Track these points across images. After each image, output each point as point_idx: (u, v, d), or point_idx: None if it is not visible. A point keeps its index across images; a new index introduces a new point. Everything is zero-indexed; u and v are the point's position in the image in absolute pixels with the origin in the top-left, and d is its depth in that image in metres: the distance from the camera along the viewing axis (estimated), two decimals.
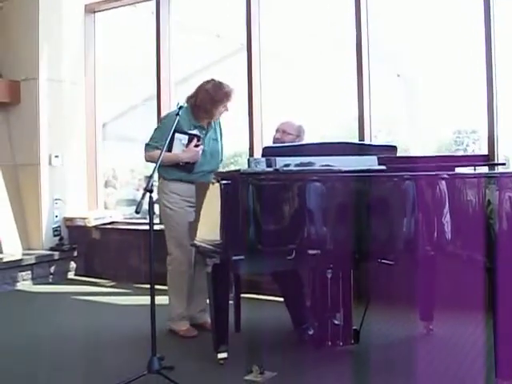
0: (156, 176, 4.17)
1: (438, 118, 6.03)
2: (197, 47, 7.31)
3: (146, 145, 4.69)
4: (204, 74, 5.13)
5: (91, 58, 7.69)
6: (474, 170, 4.04)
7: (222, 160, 4.95)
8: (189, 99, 4.70)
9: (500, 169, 4.51)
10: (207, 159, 4.71)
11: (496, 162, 5.06)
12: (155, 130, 4.75)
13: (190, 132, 4.63)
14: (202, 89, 4.70)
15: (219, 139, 4.88)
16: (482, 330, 4.16)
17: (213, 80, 4.72)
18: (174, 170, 4.64)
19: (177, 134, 4.50)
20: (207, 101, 4.64)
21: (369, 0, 5.90)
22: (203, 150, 4.66)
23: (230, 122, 5.58)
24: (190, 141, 4.60)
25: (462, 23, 5.62)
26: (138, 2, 7.46)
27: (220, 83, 4.69)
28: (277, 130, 4.95)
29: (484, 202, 3.26)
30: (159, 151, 4.19)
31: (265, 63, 6.53)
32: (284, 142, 4.79)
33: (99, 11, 7.72)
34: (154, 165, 3.97)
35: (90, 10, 7.68)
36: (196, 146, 4.60)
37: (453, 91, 5.80)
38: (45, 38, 7.16)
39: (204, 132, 4.74)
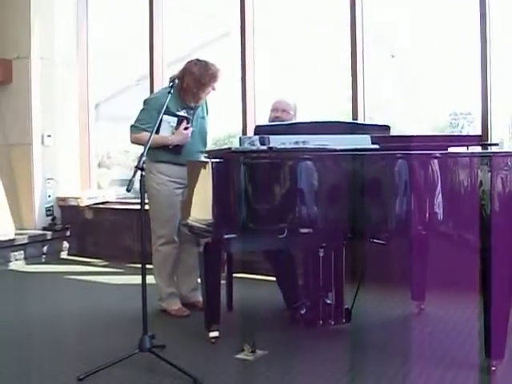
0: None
1: (434, 100, 6.02)
2: (190, 28, 7.27)
3: (133, 126, 4.62)
4: (197, 55, 5.05)
5: (84, 38, 7.63)
6: (467, 150, 4.03)
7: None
8: (174, 80, 4.45)
9: (493, 149, 4.51)
10: (195, 138, 4.67)
11: (489, 142, 5.06)
12: (141, 111, 4.64)
13: (179, 114, 4.58)
14: (187, 71, 4.59)
15: (206, 116, 4.85)
16: (473, 310, 4.16)
17: (198, 61, 4.62)
18: (161, 153, 4.57)
19: (165, 116, 4.40)
20: (194, 84, 4.56)
21: None
22: (192, 131, 4.64)
23: (224, 103, 5.55)
24: (179, 123, 4.54)
25: (458, 4, 5.59)
26: None
27: (206, 64, 4.59)
28: (275, 109, 4.88)
29: (476, 183, 3.25)
30: (146, 133, 4.19)
31: (258, 43, 6.49)
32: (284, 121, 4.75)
33: None
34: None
35: None
36: (185, 128, 4.57)
37: (448, 72, 5.78)
38: (37, 16, 7.10)
39: (192, 112, 4.68)
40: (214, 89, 4.67)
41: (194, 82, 4.57)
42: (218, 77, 4.62)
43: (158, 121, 4.08)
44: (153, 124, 4.09)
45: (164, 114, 4.33)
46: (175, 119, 4.54)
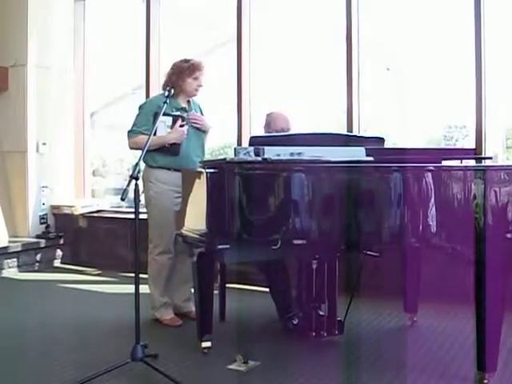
0: (142, 164, 4.14)
1: (428, 113, 6.03)
2: (187, 37, 7.28)
3: (129, 131, 4.66)
4: None
5: (80, 46, 7.66)
6: (461, 163, 4.04)
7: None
8: (165, 87, 4.65)
9: (487, 163, 4.52)
10: (192, 141, 4.70)
11: (483, 155, 5.07)
12: (137, 116, 4.70)
13: (173, 113, 4.63)
14: (170, 70, 4.75)
15: None
16: (466, 322, 4.17)
17: (178, 60, 4.77)
18: (160, 156, 4.60)
19: (160, 117, 4.47)
20: (177, 76, 4.67)
21: None
22: (187, 131, 4.65)
23: (219, 113, 5.55)
24: (174, 122, 4.58)
25: (452, 18, 5.62)
26: None
27: (185, 58, 4.75)
28: (269, 124, 4.88)
29: (470, 196, 3.26)
30: (143, 136, 4.25)
31: (254, 55, 6.51)
32: None
33: None
34: (140, 152, 3.88)
35: None
36: (181, 126, 4.60)
37: (443, 86, 5.80)
38: (34, 24, 7.11)
39: (186, 113, 4.72)
40: (199, 83, 4.73)
41: (176, 75, 4.68)
42: (198, 66, 4.71)
43: (156, 121, 4.09)
44: (149, 126, 4.13)
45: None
46: (170, 118, 4.58)
